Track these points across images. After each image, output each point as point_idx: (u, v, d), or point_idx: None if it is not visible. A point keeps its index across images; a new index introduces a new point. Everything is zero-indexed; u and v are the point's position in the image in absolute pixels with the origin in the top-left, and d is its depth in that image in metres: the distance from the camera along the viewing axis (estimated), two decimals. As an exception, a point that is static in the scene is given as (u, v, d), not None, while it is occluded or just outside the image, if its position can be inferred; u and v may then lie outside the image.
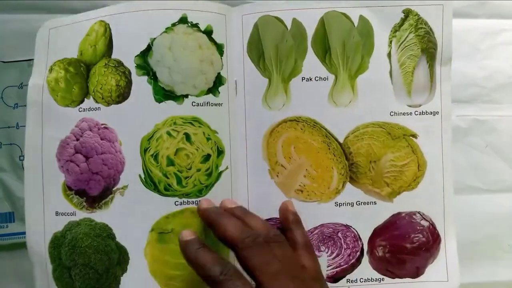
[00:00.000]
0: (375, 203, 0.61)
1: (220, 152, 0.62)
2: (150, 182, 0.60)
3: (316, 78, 0.61)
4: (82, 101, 0.63)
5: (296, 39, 0.62)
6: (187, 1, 0.61)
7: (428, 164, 0.61)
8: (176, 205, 0.60)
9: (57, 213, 0.62)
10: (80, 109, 0.62)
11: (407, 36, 0.60)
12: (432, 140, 0.61)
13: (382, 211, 0.61)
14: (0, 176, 0.69)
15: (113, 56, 0.62)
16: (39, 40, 0.64)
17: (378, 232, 0.61)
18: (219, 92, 0.62)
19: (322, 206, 0.62)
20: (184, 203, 0.60)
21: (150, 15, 0.61)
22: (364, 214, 0.61)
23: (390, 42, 0.61)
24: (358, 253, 0.61)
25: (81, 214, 0.62)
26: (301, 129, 0.61)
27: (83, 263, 0.59)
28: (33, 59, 0.63)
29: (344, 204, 0.61)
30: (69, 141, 0.61)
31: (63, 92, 0.63)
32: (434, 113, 0.61)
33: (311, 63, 0.62)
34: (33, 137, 0.63)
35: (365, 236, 0.61)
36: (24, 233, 0.64)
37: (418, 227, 0.61)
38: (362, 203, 0.61)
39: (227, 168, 0.62)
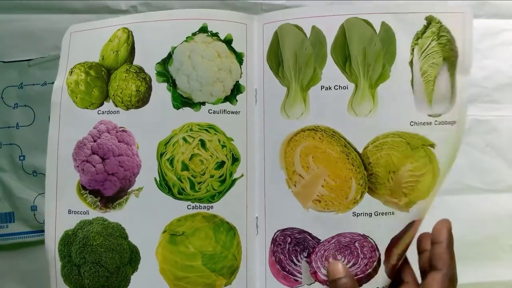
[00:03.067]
0: (393, 213, 0.59)
1: (235, 160, 0.62)
2: (165, 185, 0.61)
3: (336, 87, 0.60)
4: (101, 104, 0.64)
5: (315, 47, 0.61)
6: (208, 11, 0.62)
7: (440, 173, 0.59)
8: (188, 208, 0.61)
9: (69, 212, 0.63)
10: (99, 112, 0.64)
11: (429, 44, 0.58)
12: (447, 150, 0.59)
13: (399, 221, 0.59)
14: (0, 176, 0.70)
15: (134, 63, 0.64)
16: (63, 45, 0.65)
17: (394, 242, 0.58)
18: (236, 100, 0.62)
19: (339, 216, 0.60)
20: (197, 207, 0.61)
21: (173, 24, 0.63)
22: (382, 224, 0.59)
23: (412, 49, 0.59)
24: (375, 263, 0.58)
25: (94, 213, 0.63)
26: (320, 138, 0.60)
27: (93, 261, 0.60)
28: (33, 59, 0.63)
29: (362, 215, 0.59)
30: (86, 142, 0.63)
31: (82, 94, 0.64)
32: (452, 123, 0.58)
33: (331, 72, 0.60)
34: (54, 137, 0.64)
35: (382, 246, 0.59)
36: (24, 233, 0.66)
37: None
38: (380, 214, 0.59)
39: (242, 175, 0.62)
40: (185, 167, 0.61)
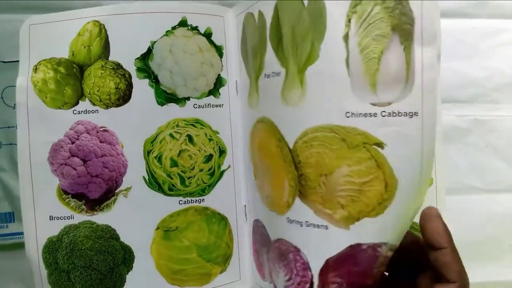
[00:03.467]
0: (326, 227, 0.47)
1: (222, 152, 0.63)
2: (154, 183, 0.62)
3: (273, 74, 0.53)
4: (76, 103, 0.61)
5: (260, 34, 0.55)
6: (186, 4, 0.62)
7: (400, 184, 0.42)
8: (180, 204, 0.62)
9: (51, 218, 0.60)
10: (75, 112, 0.61)
11: (372, 10, 0.43)
12: (407, 152, 0.42)
13: (335, 239, 0.47)
14: (0, 176, 0.71)
15: (110, 58, 0.61)
16: (22, 39, 0.61)
17: (331, 265, 0.47)
18: (219, 94, 0.63)
19: (279, 219, 0.53)
20: (188, 201, 0.63)
21: (150, 18, 0.60)
22: (313, 239, 0.49)
23: (349, 20, 0.44)
24: (308, 285, 0.49)
25: (80, 217, 0.61)
26: (265, 131, 0.55)
27: (84, 265, 0.59)
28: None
29: (295, 222, 0.51)
30: (63, 144, 0.60)
31: (53, 93, 0.60)
32: (411, 114, 0.41)
33: (269, 58, 0.53)
34: (23, 141, 0.60)
35: (315, 266, 0.48)
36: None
37: (384, 261, 0.44)
38: (312, 225, 0.49)
39: (229, 166, 0.63)
40: (174, 163, 0.62)
